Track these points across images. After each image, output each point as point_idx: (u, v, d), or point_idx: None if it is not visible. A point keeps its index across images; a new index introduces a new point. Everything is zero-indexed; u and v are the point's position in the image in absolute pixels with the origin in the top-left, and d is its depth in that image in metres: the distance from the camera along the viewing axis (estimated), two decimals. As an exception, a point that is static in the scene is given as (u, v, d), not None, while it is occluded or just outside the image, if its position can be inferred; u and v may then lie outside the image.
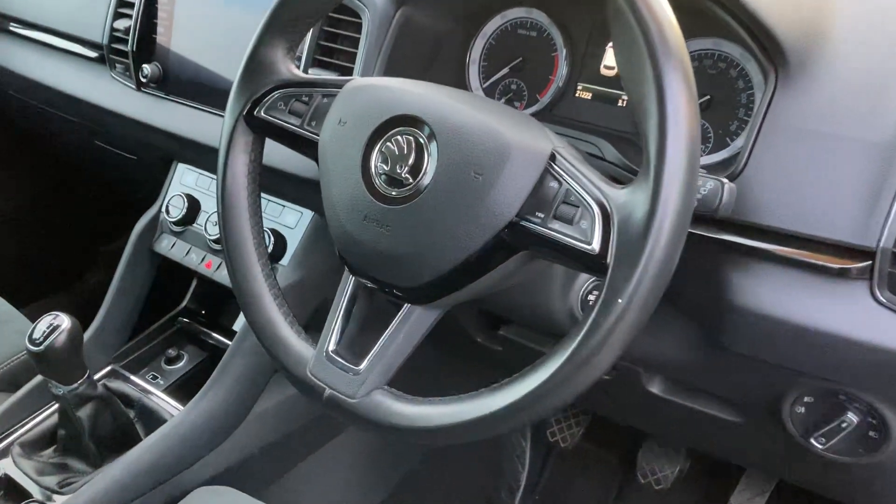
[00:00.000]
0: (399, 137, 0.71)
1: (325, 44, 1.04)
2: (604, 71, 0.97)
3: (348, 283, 0.78)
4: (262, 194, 0.93)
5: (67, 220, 1.86)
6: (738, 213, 0.75)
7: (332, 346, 0.76)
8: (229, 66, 1.14)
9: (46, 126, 1.56)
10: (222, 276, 1.19)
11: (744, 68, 0.86)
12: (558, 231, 0.64)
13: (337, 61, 1.03)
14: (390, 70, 0.99)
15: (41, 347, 0.97)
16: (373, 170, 0.72)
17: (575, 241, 0.63)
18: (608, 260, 0.61)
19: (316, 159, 0.79)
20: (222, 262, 1.20)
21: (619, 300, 0.59)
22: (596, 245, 0.62)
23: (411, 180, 0.70)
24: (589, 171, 0.66)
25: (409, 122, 0.71)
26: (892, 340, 0.71)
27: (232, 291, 0.84)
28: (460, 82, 1.06)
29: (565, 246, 0.64)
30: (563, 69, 1.00)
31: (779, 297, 0.76)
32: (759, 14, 0.78)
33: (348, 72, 1.01)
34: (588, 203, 0.63)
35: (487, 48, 1.05)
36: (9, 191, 1.77)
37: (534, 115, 1.01)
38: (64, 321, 0.99)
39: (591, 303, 0.92)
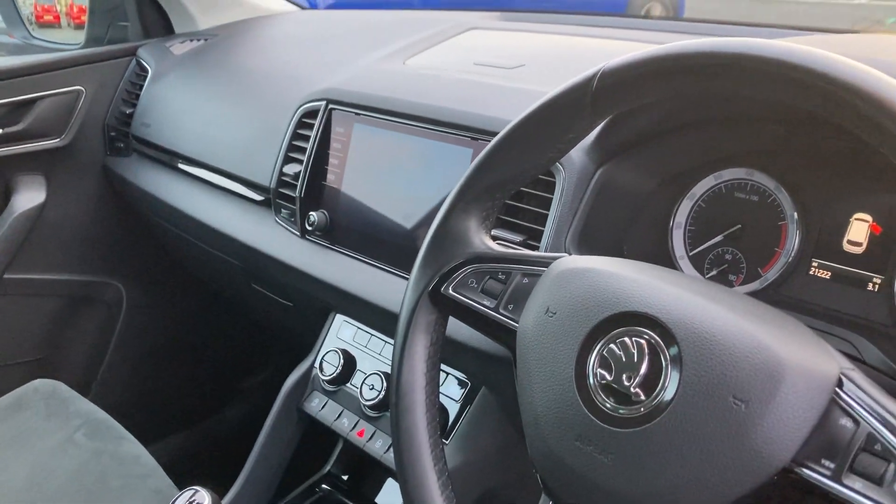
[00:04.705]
0: (627, 339, 0.57)
1: (512, 202, 0.93)
2: (848, 247, 0.81)
3: None
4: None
5: (211, 354, 1.82)
6: None
7: None
8: (400, 220, 1.05)
9: (202, 262, 1.54)
10: (374, 447, 1.06)
11: None
12: (861, 494, 0.47)
13: (524, 222, 0.91)
14: (587, 232, 0.87)
15: (178, 529, 0.87)
16: (590, 378, 0.58)
17: None
18: None
19: (511, 349, 0.66)
20: (376, 430, 1.07)
21: None
22: None
23: (643, 397, 0.55)
24: None
25: (640, 321, 0.57)
26: None
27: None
28: (662, 248, 0.92)
29: None
30: (793, 241, 0.84)
31: None
32: None
33: (536, 234, 0.90)
34: None
35: (696, 211, 0.91)
36: (155, 321, 1.76)
37: (756, 292, 0.85)
38: (205, 499, 0.88)
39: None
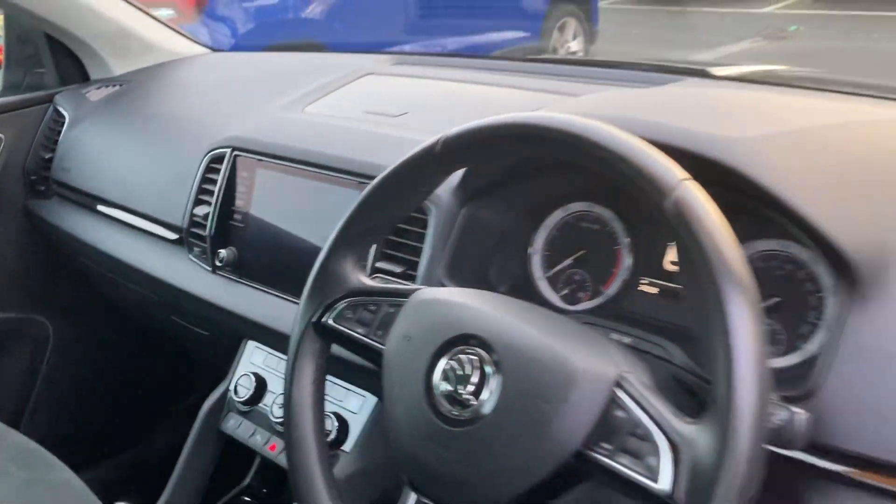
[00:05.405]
0: (462, 356, 0.71)
1: (393, 238, 1.07)
2: (668, 266, 0.97)
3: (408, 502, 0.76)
4: (327, 377, 0.93)
5: (137, 383, 1.91)
6: (816, 435, 0.72)
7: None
8: (300, 255, 1.17)
9: (124, 297, 1.63)
10: (285, 459, 1.18)
11: (812, 271, 0.85)
12: (626, 465, 0.62)
13: (404, 255, 1.06)
14: (456, 263, 1.01)
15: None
16: (436, 389, 0.72)
17: (642, 477, 0.61)
18: (679, 502, 0.59)
19: (381, 368, 0.80)
20: (286, 444, 1.20)
21: None
22: (665, 484, 0.60)
23: (473, 402, 0.69)
24: (657, 400, 0.64)
25: (471, 341, 0.72)
26: None
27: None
28: (523, 272, 1.07)
29: (631, 482, 0.62)
30: (626, 262, 1.00)
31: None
32: (820, 227, 0.77)
33: (415, 265, 1.04)
34: (656, 438, 0.62)
35: (550, 238, 1.06)
36: (82, 354, 1.84)
37: (599, 307, 1.00)
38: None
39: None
